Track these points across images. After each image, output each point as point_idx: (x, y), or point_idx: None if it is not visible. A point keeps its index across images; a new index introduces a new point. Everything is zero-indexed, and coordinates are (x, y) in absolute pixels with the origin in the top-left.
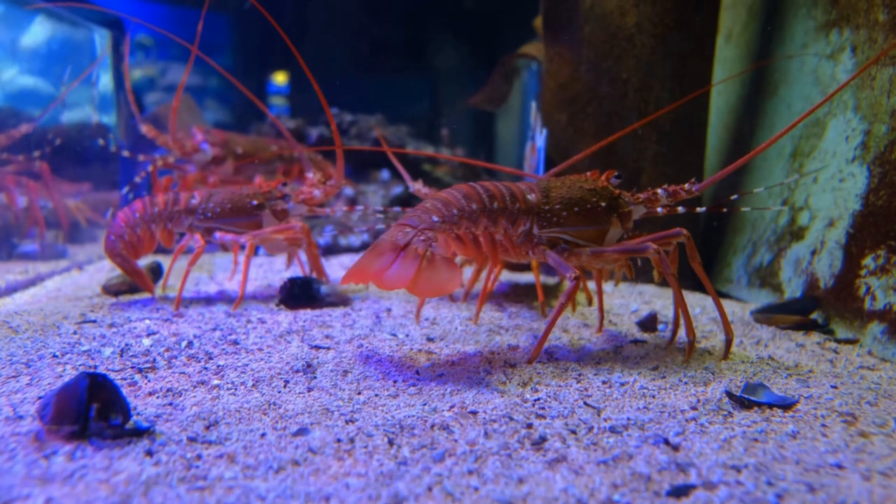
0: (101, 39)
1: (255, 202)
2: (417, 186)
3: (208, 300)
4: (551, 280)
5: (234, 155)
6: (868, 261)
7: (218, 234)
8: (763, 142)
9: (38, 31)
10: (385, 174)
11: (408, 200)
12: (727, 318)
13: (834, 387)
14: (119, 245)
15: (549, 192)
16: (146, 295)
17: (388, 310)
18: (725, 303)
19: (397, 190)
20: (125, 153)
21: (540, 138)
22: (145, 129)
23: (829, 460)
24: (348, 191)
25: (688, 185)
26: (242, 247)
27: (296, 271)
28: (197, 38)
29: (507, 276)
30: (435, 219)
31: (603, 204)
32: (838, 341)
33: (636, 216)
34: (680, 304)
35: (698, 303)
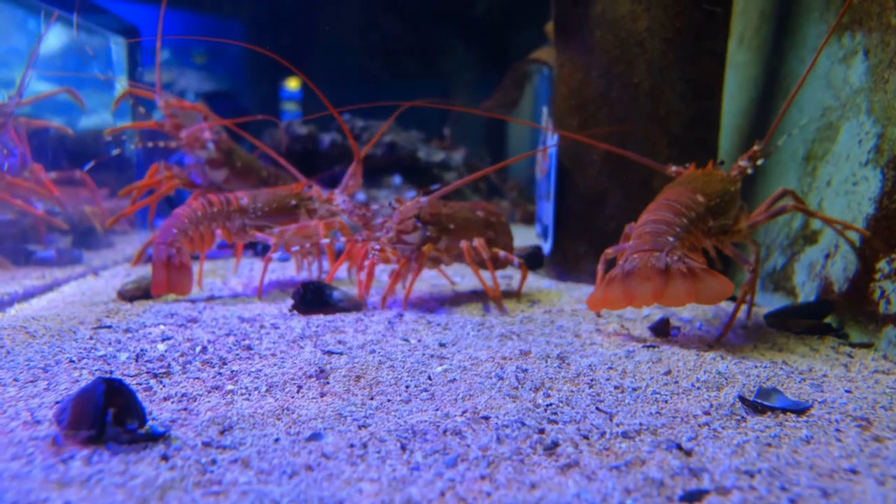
0: (117, 47)
1: (293, 202)
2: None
3: (223, 305)
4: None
5: (232, 166)
6: (882, 264)
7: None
8: (774, 145)
9: (54, 38)
10: (397, 179)
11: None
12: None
13: (848, 391)
14: (180, 239)
15: (706, 190)
16: (161, 301)
17: (401, 315)
18: None
19: (409, 195)
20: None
21: (551, 143)
22: (162, 103)
23: (844, 465)
24: (360, 196)
25: (756, 147)
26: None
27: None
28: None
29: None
30: (671, 239)
31: (732, 189)
32: (853, 345)
33: None
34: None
35: (711, 307)
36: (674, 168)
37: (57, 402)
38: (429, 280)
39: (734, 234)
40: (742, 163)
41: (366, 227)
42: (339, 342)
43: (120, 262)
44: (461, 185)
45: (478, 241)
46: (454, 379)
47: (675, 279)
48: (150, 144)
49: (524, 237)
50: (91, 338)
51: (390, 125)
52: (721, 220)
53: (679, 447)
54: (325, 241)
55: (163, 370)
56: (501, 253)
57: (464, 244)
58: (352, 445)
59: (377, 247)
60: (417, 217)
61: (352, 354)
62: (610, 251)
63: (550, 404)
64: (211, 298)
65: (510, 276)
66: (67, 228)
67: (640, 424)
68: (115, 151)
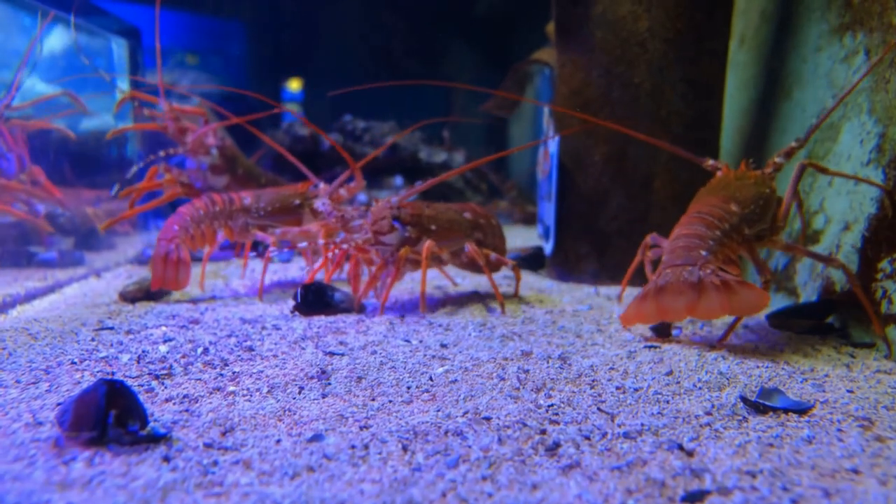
0: (119, 48)
1: (297, 202)
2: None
3: (225, 306)
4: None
5: (233, 172)
6: (884, 264)
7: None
8: (775, 145)
9: (55, 41)
10: (398, 180)
11: None
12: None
13: (850, 391)
14: (181, 235)
15: (739, 197)
16: (162, 302)
17: (402, 316)
18: None
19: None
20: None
21: (553, 144)
22: (166, 106)
23: (846, 465)
24: (362, 197)
25: (794, 143)
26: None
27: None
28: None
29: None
30: (704, 253)
31: (767, 191)
32: (854, 345)
33: None
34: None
35: None
36: (711, 161)
37: (59, 404)
38: (430, 281)
39: (769, 242)
40: (778, 159)
41: (344, 230)
42: (341, 343)
43: (122, 263)
44: (461, 188)
45: (470, 246)
46: (456, 380)
47: (708, 292)
48: (162, 154)
49: (525, 238)
50: (93, 339)
51: (391, 126)
52: (757, 226)
53: (681, 447)
54: (303, 244)
55: (164, 371)
56: (492, 255)
57: (426, 244)
58: (353, 446)
59: (345, 247)
60: (397, 218)
61: (353, 355)
62: (649, 239)
63: (552, 405)
64: (213, 299)
65: (511, 277)
66: (53, 231)
67: (642, 425)
68: (142, 164)
